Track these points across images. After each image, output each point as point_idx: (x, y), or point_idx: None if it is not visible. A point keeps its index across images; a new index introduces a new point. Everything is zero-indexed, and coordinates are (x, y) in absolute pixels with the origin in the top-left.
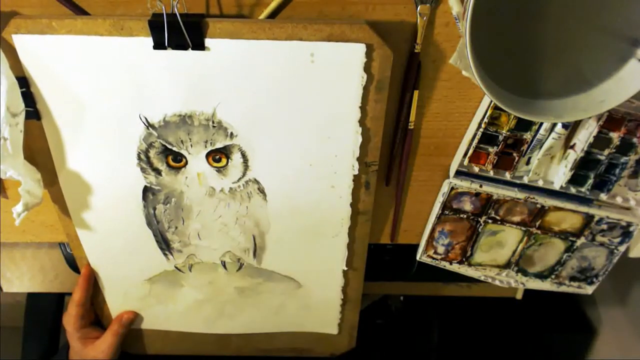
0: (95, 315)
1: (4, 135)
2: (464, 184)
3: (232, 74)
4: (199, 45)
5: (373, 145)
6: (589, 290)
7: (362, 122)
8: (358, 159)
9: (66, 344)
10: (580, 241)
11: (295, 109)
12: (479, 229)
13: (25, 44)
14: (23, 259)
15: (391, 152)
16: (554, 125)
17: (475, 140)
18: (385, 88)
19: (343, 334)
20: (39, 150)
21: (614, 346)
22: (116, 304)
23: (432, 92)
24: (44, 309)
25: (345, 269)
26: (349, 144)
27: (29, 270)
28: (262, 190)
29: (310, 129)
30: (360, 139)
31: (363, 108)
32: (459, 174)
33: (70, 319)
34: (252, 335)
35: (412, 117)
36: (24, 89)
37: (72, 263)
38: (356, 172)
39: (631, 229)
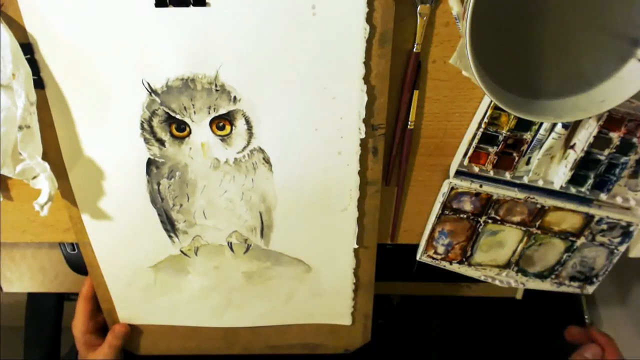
0: (103, 326)
1: (27, 124)
2: (464, 184)
3: (233, 30)
4: (200, 1)
5: (379, 105)
6: (589, 290)
7: (366, 79)
8: (364, 121)
9: (75, 348)
10: (580, 241)
11: (298, 66)
12: (479, 229)
13: (30, 5)
14: (23, 259)
15: (391, 152)
16: (554, 125)
17: (475, 140)
18: (388, 42)
19: (357, 325)
20: (41, 122)
21: None
22: (121, 296)
23: (432, 92)
24: (44, 309)
25: (356, 246)
26: (355, 104)
27: (29, 270)
28: (267, 160)
29: (314, 88)
30: (365, 98)
31: (367, 64)
32: (459, 174)
33: (77, 323)
34: (262, 329)
35: (412, 117)
36: (28, 56)
37: (72, 263)
38: (363, 136)
39: (631, 229)
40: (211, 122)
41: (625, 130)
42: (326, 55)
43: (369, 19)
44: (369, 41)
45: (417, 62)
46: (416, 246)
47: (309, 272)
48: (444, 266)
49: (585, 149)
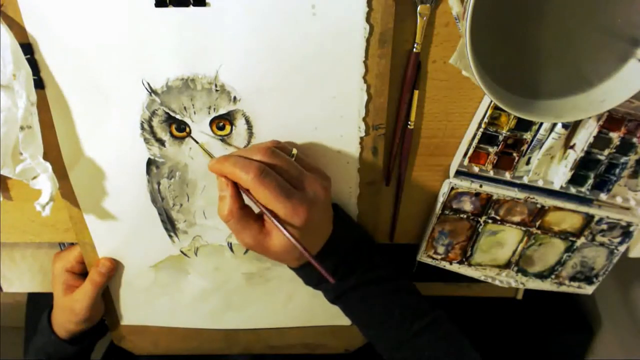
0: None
1: (28, 124)
2: (464, 184)
3: (233, 30)
4: (200, 1)
5: (379, 105)
6: (589, 290)
7: (366, 79)
8: (364, 120)
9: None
10: (580, 241)
11: (298, 66)
12: (479, 229)
13: (30, 5)
14: (23, 259)
15: (391, 152)
16: (554, 125)
17: (475, 140)
18: (388, 42)
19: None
20: (41, 122)
21: (614, 346)
22: (122, 297)
23: (432, 92)
24: (44, 309)
25: None
26: (354, 103)
27: (29, 270)
28: None
29: (314, 87)
30: (365, 97)
31: (367, 63)
32: (459, 174)
33: (62, 258)
34: (262, 330)
35: (412, 117)
36: (28, 56)
37: None
38: (362, 134)
39: (631, 229)
40: (211, 122)
41: (625, 130)
42: (326, 55)
43: (369, 18)
44: (368, 41)
45: (417, 62)
46: (416, 246)
47: None
48: (444, 266)
49: (585, 149)
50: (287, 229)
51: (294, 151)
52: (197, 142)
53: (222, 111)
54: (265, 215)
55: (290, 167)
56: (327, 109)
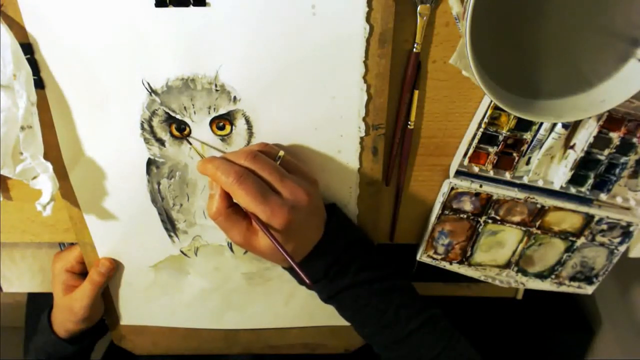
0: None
1: (29, 124)
2: (464, 184)
3: (233, 30)
4: (200, 1)
5: (379, 105)
6: (589, 290)
7: (366, 79)
8: (364, 120)
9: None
10: (580, 241)
11: (298, 66)
12: (479, 229)
13: (30, 5)
14: (23, 259)
15: (391, 152)
16: (554, 125)
17: (475, 140)
18: (388, 42)
19: None
20: (41, 122)
21: (614, 346)
22: (122, 296)
23: (432, 92)
24: (44, 309)
25: None
26: (354, 103)
27: (29, 270)
28: None
29: (314, 87)
30: (365, 97)
31: (367, 63)
32: (459, 174)
33: (62, 257)
34: (262, 330)
35: (412, 117)
36: (28, 56)
37: None
38: (362, 134)
39: (631, 229)
40: (211, 122)
41: (625, 130)
42: (326, 55)
43: (369, 18)
44: (368, 41)
45: (417, 62)
46: (416, 246)
47: None
48: (444, 266)
49: (585, 149)
50: (269, 231)
51: (281, 153)
52: (190, 144)
53: (222, 111)
54: (250, 215)
55: (272, 171)
56: (327, 109)
